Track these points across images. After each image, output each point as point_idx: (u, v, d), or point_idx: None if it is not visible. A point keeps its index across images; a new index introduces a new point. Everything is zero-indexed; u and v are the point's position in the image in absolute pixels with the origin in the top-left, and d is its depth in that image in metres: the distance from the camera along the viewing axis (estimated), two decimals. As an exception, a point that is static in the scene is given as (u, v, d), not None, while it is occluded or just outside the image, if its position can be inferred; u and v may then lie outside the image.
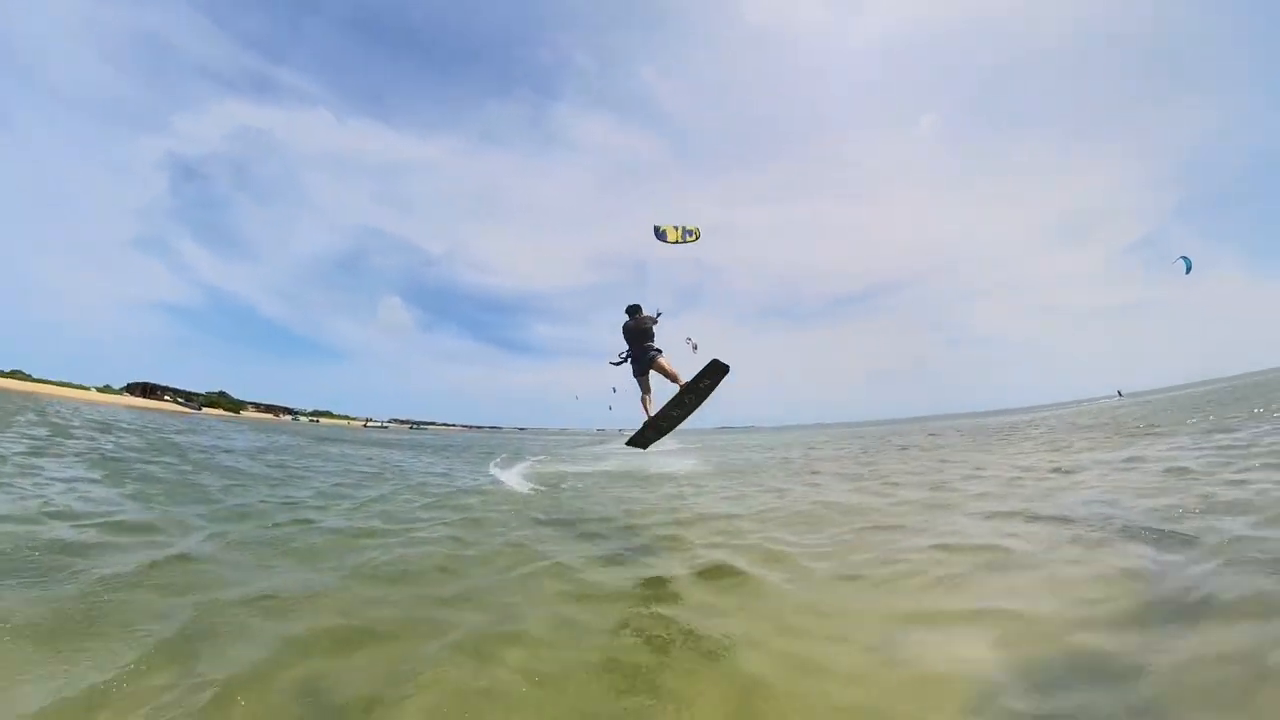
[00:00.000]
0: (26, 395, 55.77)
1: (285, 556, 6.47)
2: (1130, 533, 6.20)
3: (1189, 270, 20.37)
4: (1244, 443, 11.98)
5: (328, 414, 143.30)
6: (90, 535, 6.64)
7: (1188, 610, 4.12)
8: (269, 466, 15.42)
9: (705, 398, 8.31)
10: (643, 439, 8.72)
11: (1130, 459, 11.92)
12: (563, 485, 14.71)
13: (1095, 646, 3.80)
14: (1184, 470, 9.62)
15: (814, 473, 16.11)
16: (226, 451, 19.06)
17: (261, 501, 9.91)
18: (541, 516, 9.83)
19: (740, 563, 6.40)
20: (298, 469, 15.46)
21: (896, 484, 12.23)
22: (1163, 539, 5.82)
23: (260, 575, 5.73)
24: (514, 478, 15.86)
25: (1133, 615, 4.20)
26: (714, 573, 6.11)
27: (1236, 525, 5.92)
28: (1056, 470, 11.81)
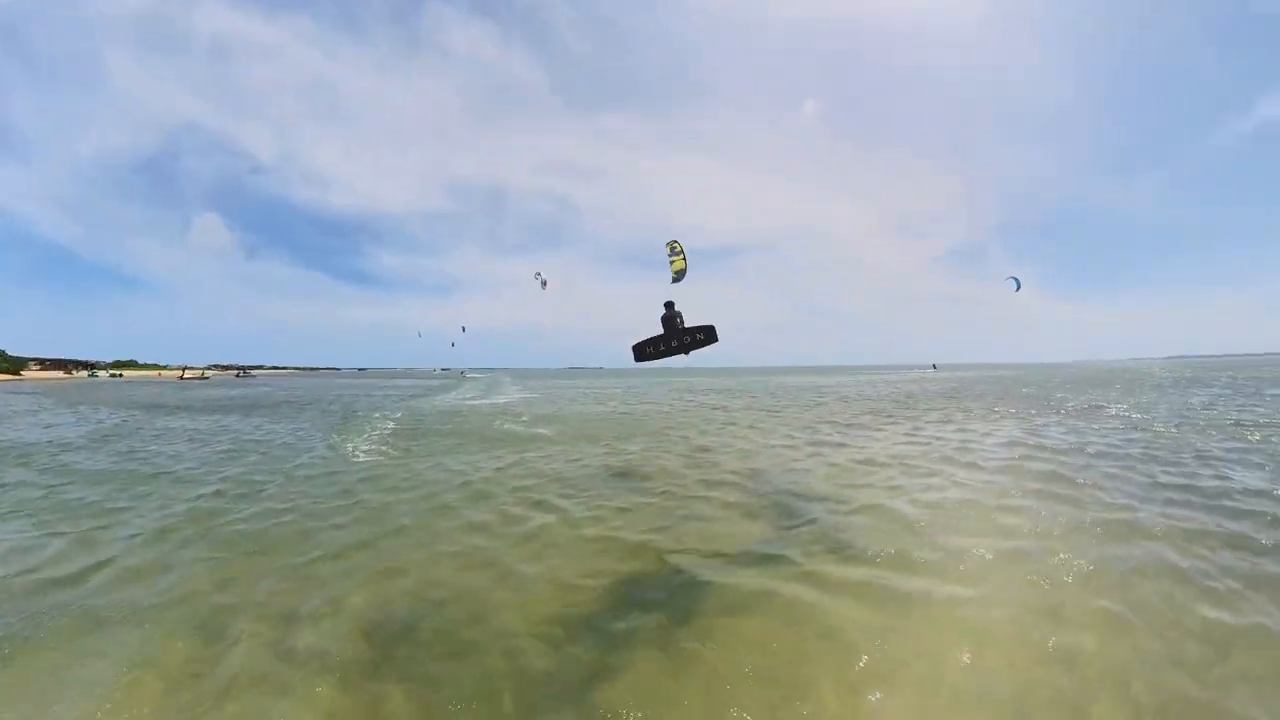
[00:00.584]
0: None
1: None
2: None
3: (1018, 289, 25.19)
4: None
5: (132, 364, 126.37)
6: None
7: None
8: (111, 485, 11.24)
9: (691, 350, 10.78)
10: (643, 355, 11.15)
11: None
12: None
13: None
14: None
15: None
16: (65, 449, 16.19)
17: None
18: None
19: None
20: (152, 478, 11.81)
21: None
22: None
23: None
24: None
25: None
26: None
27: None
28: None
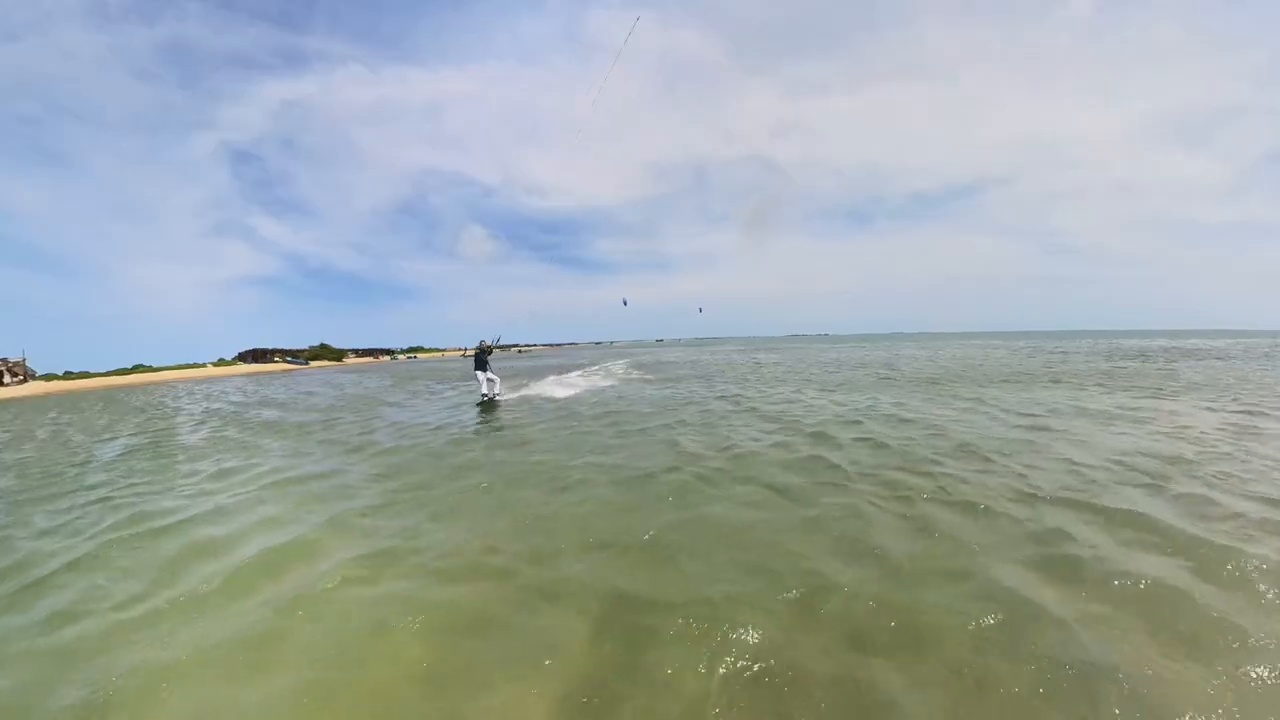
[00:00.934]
0: (155, 385, 59.65)
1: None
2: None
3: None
4: None
5: (420, 349, 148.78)
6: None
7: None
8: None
9: None
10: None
11: None
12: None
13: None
14: None
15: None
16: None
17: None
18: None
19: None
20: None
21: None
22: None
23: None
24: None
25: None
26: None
27: None
28: None
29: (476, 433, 13.60)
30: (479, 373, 18.84)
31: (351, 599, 4.97)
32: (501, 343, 16.96)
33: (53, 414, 27.65)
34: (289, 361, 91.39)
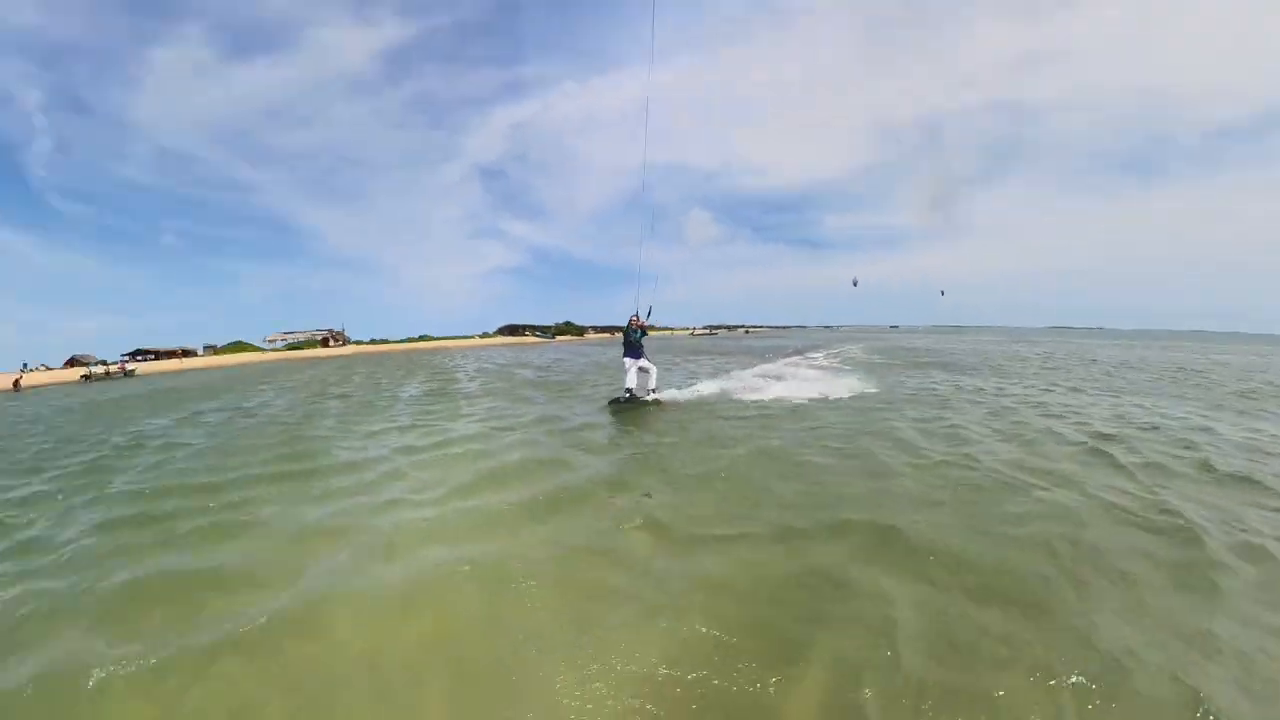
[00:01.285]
0: (436, 350, 72.48)
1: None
2: None
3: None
4: None
5: (652, 327, 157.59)
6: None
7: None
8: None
9: None
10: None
11: None
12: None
13: None
14: None
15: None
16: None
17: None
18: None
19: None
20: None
21: None
22: None
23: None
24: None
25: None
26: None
27: None
28: None
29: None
30: (628, 360, 13.35)
31: (571, 489, 6.22)
32: (650, 320, 13.66)
33: (366, 367, 35.28)
34: (538, 335, 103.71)
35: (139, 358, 72.73)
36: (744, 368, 23.62)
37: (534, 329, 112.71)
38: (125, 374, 53.92)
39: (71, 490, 8.10)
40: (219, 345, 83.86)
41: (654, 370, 13.82)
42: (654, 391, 13.52)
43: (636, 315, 13.78)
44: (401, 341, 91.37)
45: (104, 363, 63.81)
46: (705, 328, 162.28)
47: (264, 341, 79.74)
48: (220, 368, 61.46)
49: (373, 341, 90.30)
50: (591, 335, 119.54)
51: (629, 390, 13.02)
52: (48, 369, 70.23)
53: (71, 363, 79.16)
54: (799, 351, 35.69)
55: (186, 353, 77.35)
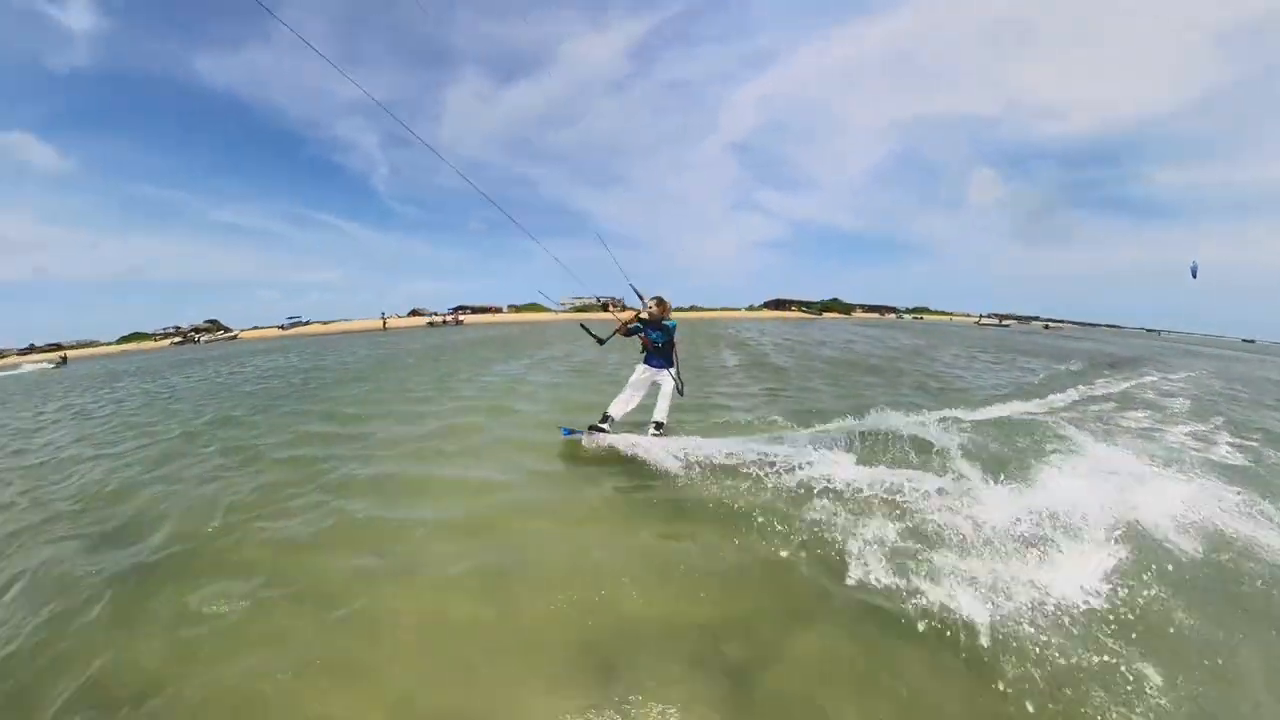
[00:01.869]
0: (710, 320, 74.54)
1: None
2: None
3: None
4: None
5: (925, 310, 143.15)
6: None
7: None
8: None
9: None
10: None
11: None
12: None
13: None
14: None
15: None
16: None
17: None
18: None
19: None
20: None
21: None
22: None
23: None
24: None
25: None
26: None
27: None
28: None
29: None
30: (648, 369, 7.52)
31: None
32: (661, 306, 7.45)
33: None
34: (803, 310, 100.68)
35: (461, 311, 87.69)
36: (1061, 388, 12.97)
37: (800, 304, 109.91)
38: (457, 323, 65.27)
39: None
40: (519, 304, 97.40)
41: (677, 385, 7.62)
42: (661, 425, 7.34)
43: (657, 300, 7.68)
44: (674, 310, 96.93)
45: (437, 313, 79.06)
46: (994, 316, 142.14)
47: (555, 303, 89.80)
48: (520, 323, 70.84)
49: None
50: (859, 314, 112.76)
51: (608, 417, 7.26)
52: (399, 317, 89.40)
53: (413, 313, 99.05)
54: (1120, 367, 18.09)
55: (496, 309, 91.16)
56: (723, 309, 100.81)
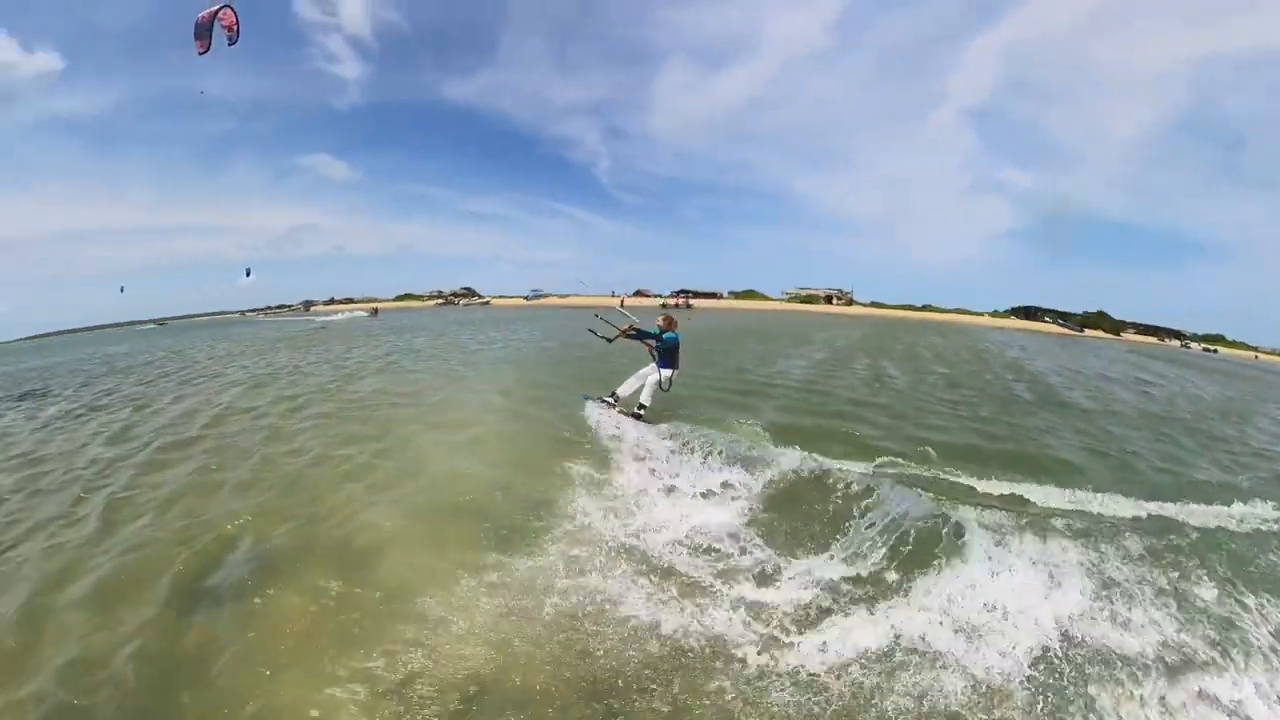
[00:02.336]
0: (947, 323, 68.20)
1: None
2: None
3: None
4: None
5: (1220, 340, 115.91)
6: None
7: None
8: None
9: None
10: None
11: None
12: None
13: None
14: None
15: None
16: None
17: None
18: None
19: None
20: None
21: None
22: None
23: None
24: None
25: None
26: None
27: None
28: None
29: None
30: (664, 370, 9.71)
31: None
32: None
33: (890, 339, 34.79)
34: (1059, 324, 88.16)
35: (684, 294, 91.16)
36: None
37: (1055, 315, 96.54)
38: (688, 306, 68.37)
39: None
40: (737, 290, 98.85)
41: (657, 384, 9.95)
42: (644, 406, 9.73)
43: (666, 319, 9.91)
44: (899, 307, 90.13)
45: (665, 296, 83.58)
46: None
47: (781, 293, 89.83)
48: (746, 310, 71.52)
49: (874, 304, 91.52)
50: (1131, 335, 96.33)
51: (616, 395, 9.93)
52: (628, 296, 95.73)
53: (638, 293, 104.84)
54: None
55: (718, 294, 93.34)
56: (958, 310, 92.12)
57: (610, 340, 10.09)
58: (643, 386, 9.64)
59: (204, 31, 12.41)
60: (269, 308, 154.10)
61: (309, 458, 7.77)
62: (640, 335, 9.78)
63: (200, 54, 12.50)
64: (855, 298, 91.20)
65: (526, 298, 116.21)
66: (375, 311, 67.62)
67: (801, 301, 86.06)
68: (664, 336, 9.57)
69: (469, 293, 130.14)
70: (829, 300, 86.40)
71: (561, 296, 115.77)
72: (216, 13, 12.30)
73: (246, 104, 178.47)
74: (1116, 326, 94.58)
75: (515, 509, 5.84)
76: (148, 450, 8.41)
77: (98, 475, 7.47)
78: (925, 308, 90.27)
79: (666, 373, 9.62)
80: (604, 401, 9.77)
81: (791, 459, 6.98)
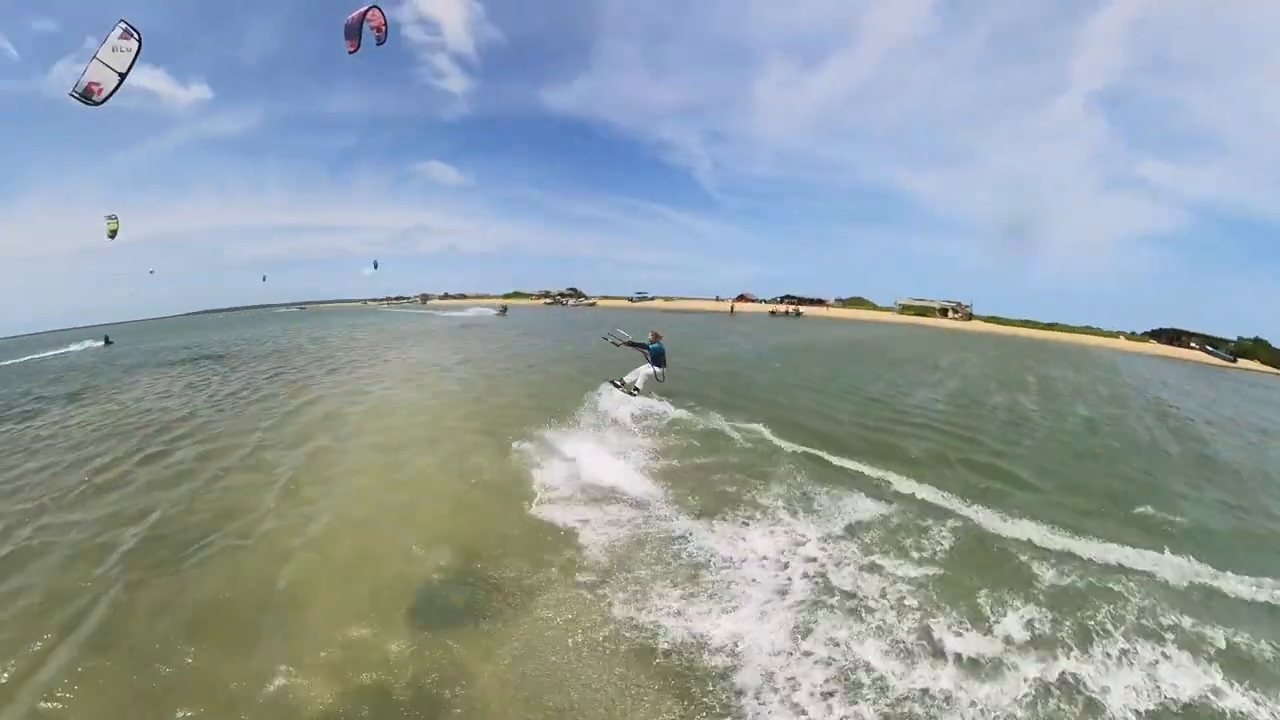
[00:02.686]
0: (1073, 344, 63.17)
1: None
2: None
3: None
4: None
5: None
6: None
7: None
8: None
9: None
10: None
11: None
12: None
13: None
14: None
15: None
16: None
17: None
18: None
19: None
20: None
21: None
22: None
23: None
24: None
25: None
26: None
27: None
28: None
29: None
30: (657, 368, 14.50)
31: None
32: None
33: (1027, 361, 33.23)
34: (1208, 352, 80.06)
35: (789, 300, 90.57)
36: None
37: (1204, 340, 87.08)
38: (797, 314, 68.30)
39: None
40: (844, 297, 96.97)
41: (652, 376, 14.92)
42: (636, 389, 14.45)
43: (654, 334, 14.94)
44: (1020, 323, 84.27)
45: (773, 300, 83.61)
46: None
47: (893, 303, 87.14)
48: (856, 320, 70.25)
49: (993, 319, 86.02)
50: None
51: (624, 381, 14.61)
52: (735, 301, 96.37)
53: (741, 298, 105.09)
54: None
55: (824, 301, 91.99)
56: (1086, 330, 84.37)
57: (617, 345, 15.43)
58: (637, 377, 14.30)
59: (354, 32, 14.12)
60: (390, 298, 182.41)
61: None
62: (635, 345, 14.95)
63: (351, 53, 14.28)
64: (973, 311, 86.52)
65: (631, 299, 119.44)
66: (505, 310, 67.84)
67: (915, 314, 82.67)
68: (651, 347, 14.43)
69: (575, 293, 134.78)
70: (944, 313, 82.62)
71: (666, 300, 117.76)
72: (365, 13, 13.93)
73: (367, 119, 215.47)
74: (1277, 358, 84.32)
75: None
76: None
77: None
78: (1051, 326, 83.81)
79: (658, 369, 14.28)
80: (615, 383, 14.63)
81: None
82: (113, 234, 30.83)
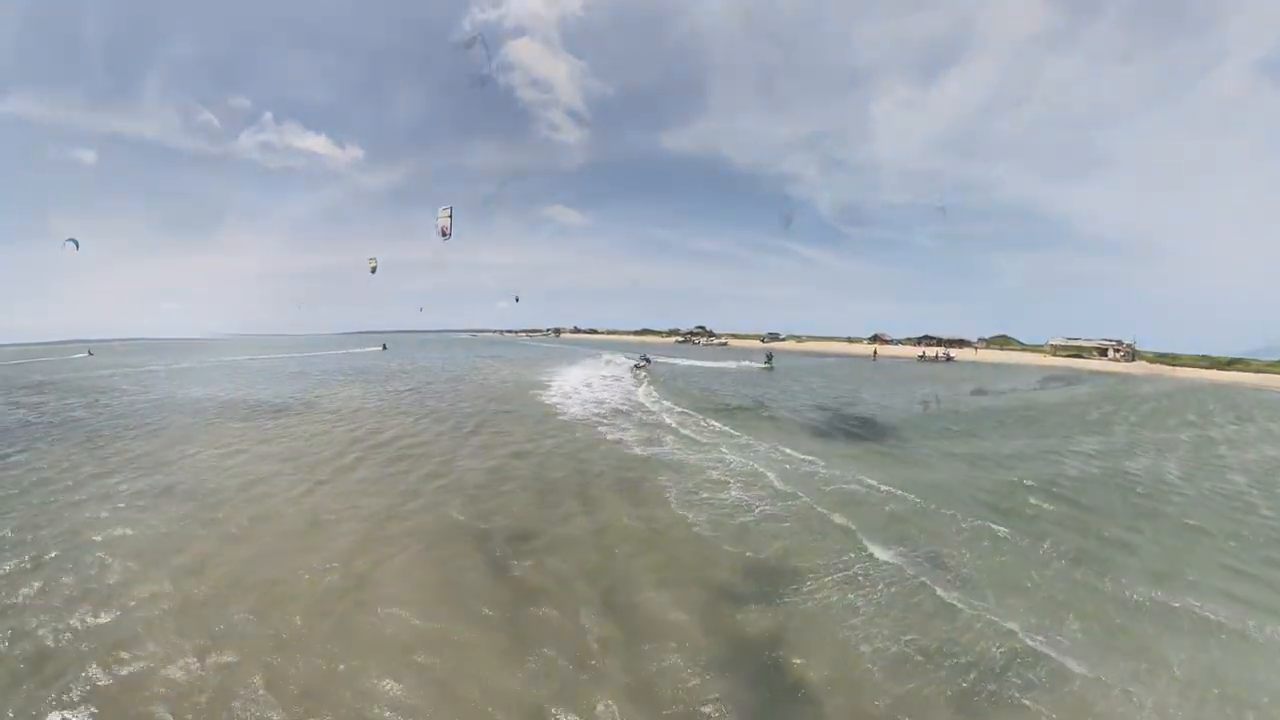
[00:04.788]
0: (1255, 386, 54.90)
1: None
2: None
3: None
4: None
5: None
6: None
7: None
8: None
9: None
10: None
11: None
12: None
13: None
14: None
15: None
16: None
17: None
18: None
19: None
20: None
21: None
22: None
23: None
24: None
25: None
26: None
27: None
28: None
29: None
30: (643, 361, 42.23)
31: None
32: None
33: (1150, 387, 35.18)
34: None
35: (928, 342, 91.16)
36: None
37: None
38: (948, 358, 69.62)
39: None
40: (987, 337, 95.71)
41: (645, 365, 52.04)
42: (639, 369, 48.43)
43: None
44: (1195, 361, 77.27)
45: (911, 341, 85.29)
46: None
47: (1046, 344, 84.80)
48: (1006, 364, 68.90)
49: (1161, 358, 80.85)
50: None
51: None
52: (886, 343, 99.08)
53: (876, 338, 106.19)
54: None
55: (968, 343, 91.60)
56: (1239, 363, 73.62)
57: (642, 362, 51.06)
58: (645, 365, 50.66)
59: (445, 234, 29.51)
60: (526, 330, 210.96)
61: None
62: (645, 360, 52.10)
63: (444, 239, 29.58)
64: (1137, 347, 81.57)
65: (762, 339, 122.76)
66: (770, 358, 62.56)
67: (1070, 354, 79.85)
68: (645, 356, 54.35)
69: (704, 331, 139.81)
70: (1103, 353, 79.33)
71: (798, 340, 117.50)
72: (449, 215, 28.98)
73: (502, 171, 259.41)
74: None
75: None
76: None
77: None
78: (1233, 364, 75.68)
79: (649, 366, 51.10)
80: (637, 367, 49.29)
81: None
82: (373, 270, 41.57)
